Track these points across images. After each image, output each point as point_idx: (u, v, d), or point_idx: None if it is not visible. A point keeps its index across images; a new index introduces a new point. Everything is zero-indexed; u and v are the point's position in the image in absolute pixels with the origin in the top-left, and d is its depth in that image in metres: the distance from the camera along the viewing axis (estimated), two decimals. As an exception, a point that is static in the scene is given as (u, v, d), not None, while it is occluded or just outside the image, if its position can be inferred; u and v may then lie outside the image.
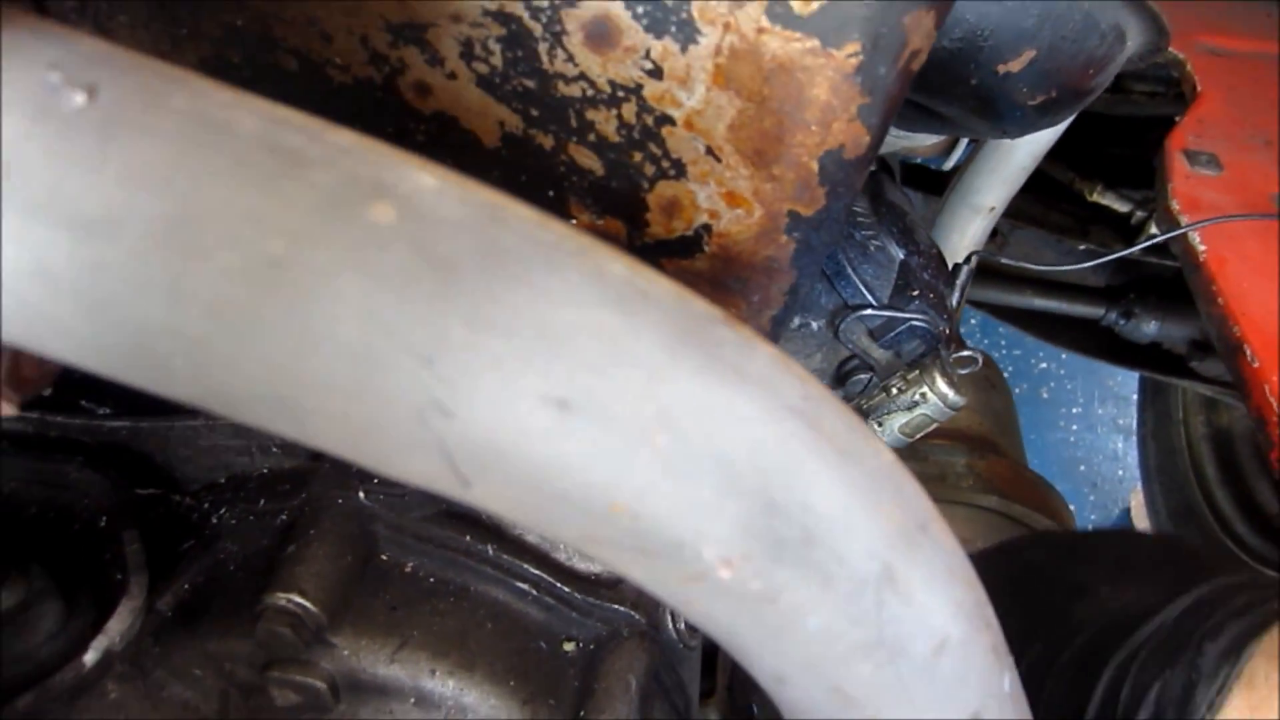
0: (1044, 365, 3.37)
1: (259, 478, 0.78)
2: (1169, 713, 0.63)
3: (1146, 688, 0.65)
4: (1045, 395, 3.31)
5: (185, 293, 0.30)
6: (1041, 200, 1.95)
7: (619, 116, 0.53)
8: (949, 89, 0.91)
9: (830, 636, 0.33)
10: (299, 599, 0.62)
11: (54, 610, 0.63)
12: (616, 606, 0.70)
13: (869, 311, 0.79)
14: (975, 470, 1.51)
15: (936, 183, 1.97)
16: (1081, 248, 1.95)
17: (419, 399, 0.30)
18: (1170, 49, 1.34)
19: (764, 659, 0.35)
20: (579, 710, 0.67)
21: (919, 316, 0.79)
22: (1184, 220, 1.04)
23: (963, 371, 0.82)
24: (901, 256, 0.81)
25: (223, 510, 0.74)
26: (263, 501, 0.73)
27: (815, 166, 0.52)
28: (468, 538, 0.69)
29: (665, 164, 0.54)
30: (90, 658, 0.61)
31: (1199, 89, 1.26)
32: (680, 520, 0.31)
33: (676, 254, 0.58)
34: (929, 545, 0.36)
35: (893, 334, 0.80)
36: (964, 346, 0.88)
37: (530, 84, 0.52)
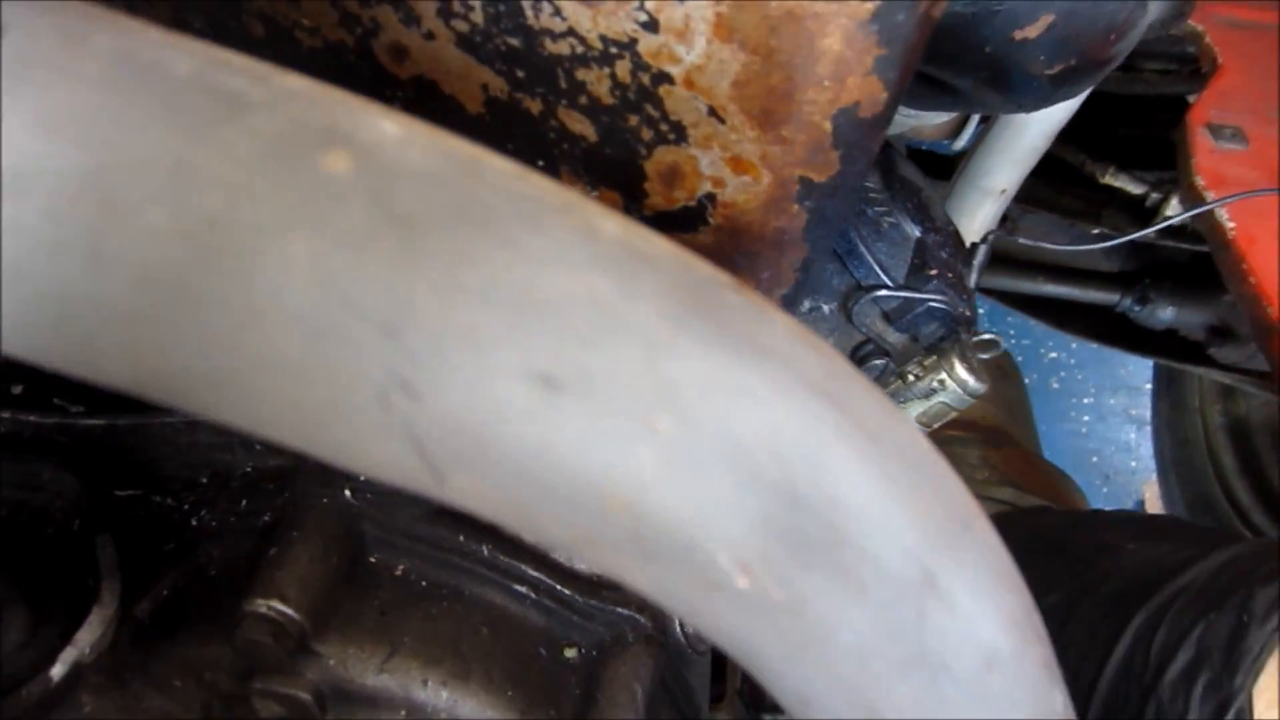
0: (1054, 355, 3.32)
1: (242, 476, 0.74)
2: (1214, 653, 0.62)
3: (1187, 631, 0.64)
4: (1055, 385, 3.26)
5: (108, 258, 0.25)
6: (1052, 183, 1.90)
7: (612, 76, 0.48)
8: (961, 58, 0.87)
9: (864, 653, 0.29)
10: (280, 605, 0.58)
11: (19, 619, 0.59)
12: (621, 609, 0.66)
13: (884, 292, 0.74)
14: (990, 462, 1.46)
15: (943, 168, 1.92)
16: (1094, 231, 1.90)
17: (381, 377, 0.26)
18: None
19: (786, 677, 0.31)
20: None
21: (937, 297, 0.74)
22: (1210, 197, 0.99)
23: (984, 356, 0.78)
24: (917, 234, 0.77)
25: (203, 511, 0.70)
26: (245, 502, 0.69)
27: (828, 127, 0.48)
28: (462, 537, 0.65)
29: (664, 127, 0.50)
30: (58, 670, 0.57)
31: (1219, 61, 1.22)
32: (689, 518, 0.27)
33: (678, 227, 0.54)
34: (974, 545, 0.32)
35: (909, 316, 0.75)
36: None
37: (514, 42, 0.48)
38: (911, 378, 0.82)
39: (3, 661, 0.57)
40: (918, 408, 0.84)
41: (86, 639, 0.58)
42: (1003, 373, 1.73)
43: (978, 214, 1.62)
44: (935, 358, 0.81)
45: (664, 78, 0.47)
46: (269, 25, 0.51)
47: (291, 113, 0.27)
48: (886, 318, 0.76)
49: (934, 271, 0.75)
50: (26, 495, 0.70)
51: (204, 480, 0.75)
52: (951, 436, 1.50)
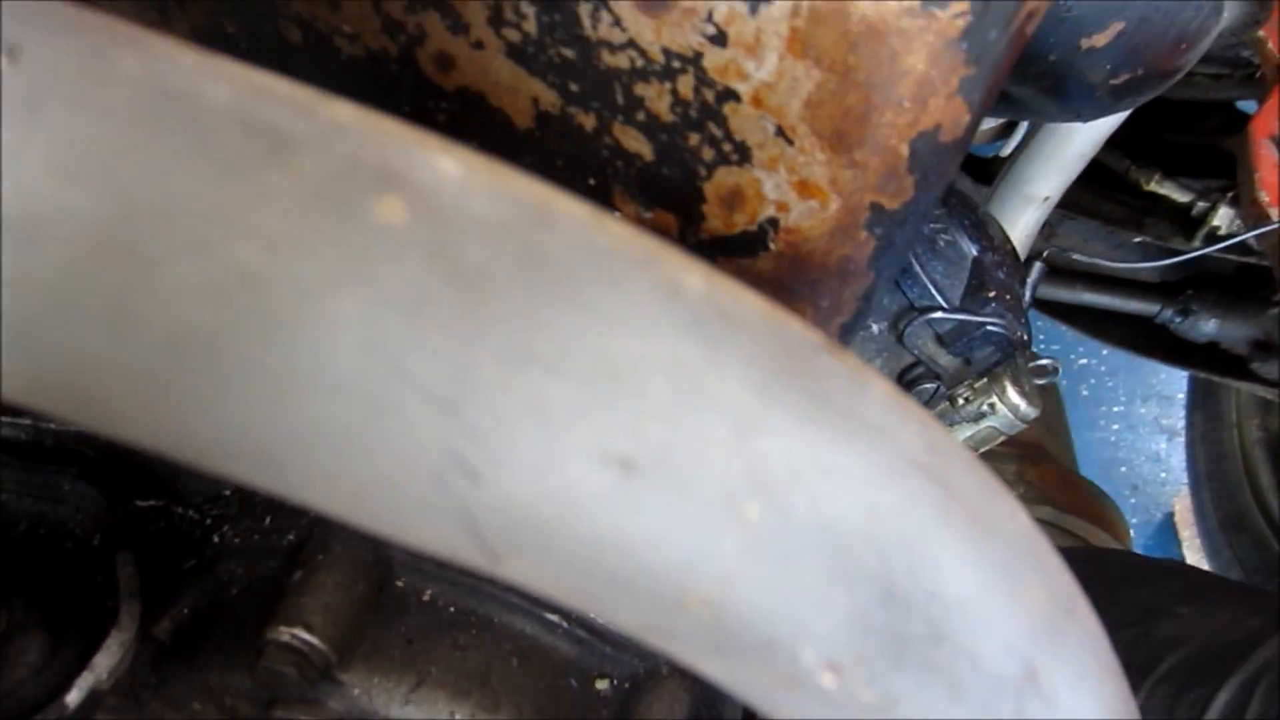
0: (1084, 361, 3.26)
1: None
2: None
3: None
4: (1085, 393, 3.20)
5: (132, 317, 0.22)
6: (1093, 189, 1.85)
7: (674, 92, 0.45)
8: (1023, 66, 0.83)
9: (961, 758, 0.26)
10: (305, 634, 0.55)
11: (37, 643, 0.57)
12: (657, 641, 0.63)
13: (939, 315, 0.71)
14: (1026, 478, 1.42)
15: (981, 170, 1.88)
16: (1136, 240, 1.86)
17: (437, 456, 0.23)
18: (1250, 27, 1.25)
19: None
20: (615, 758, 0.60)
21: (995, 320, 0.71)
22: (1275, 214, 0.95)
23: (1039, 382, 0.74)
24: (975, 253, 0.73)
25: (226, 528, 0.68)
26: (269, 519, 0.67)
27: (905, 151, 0.45)
28: (493, 564, 0.62)
29: (727, 147, 0.47)
30: (74, 697, 0.55)
31: (1282, 70, 1.17)
32: (774, 614, 0.24)
33: (736, 252, 0.50)
34: (1075, 634, 0.28)
35: (964, 340, 0.72)
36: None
37: (569, 54, 0.45)
38: (961, 401, 0.78)
39: (18, 687, 0.55)
40: (965, 431, 0.81)
41: (104, 664, 0.56)
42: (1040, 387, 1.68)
43: (1019, 221, 1.58)
44: (986, 381, 0.77)
45: (730, 95, 0.44)
46: (307, 31, 0.48)
47: (340, 151, 0.24)
48: (940, 340, 0.73)
49: (992, 293, 0.72)
50: (46, 507, 0.68)
51: (227, 493, 0.73)
52: (988, 452, 1.46)
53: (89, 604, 0.61)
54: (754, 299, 0.27)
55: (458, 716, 0.58)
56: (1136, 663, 0.70)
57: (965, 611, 0.26)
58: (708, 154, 0.47)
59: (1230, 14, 0.83)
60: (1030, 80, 0.85)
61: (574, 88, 0.47)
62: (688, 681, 0.64)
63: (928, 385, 0.75)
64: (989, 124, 1.42)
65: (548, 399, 0.23)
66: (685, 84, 0.45)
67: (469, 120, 0.49)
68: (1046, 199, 1.56)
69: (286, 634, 0.56)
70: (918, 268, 0.72)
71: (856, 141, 0.44)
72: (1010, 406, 0.77)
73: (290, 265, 0.23)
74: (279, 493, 0.26)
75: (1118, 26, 0.78)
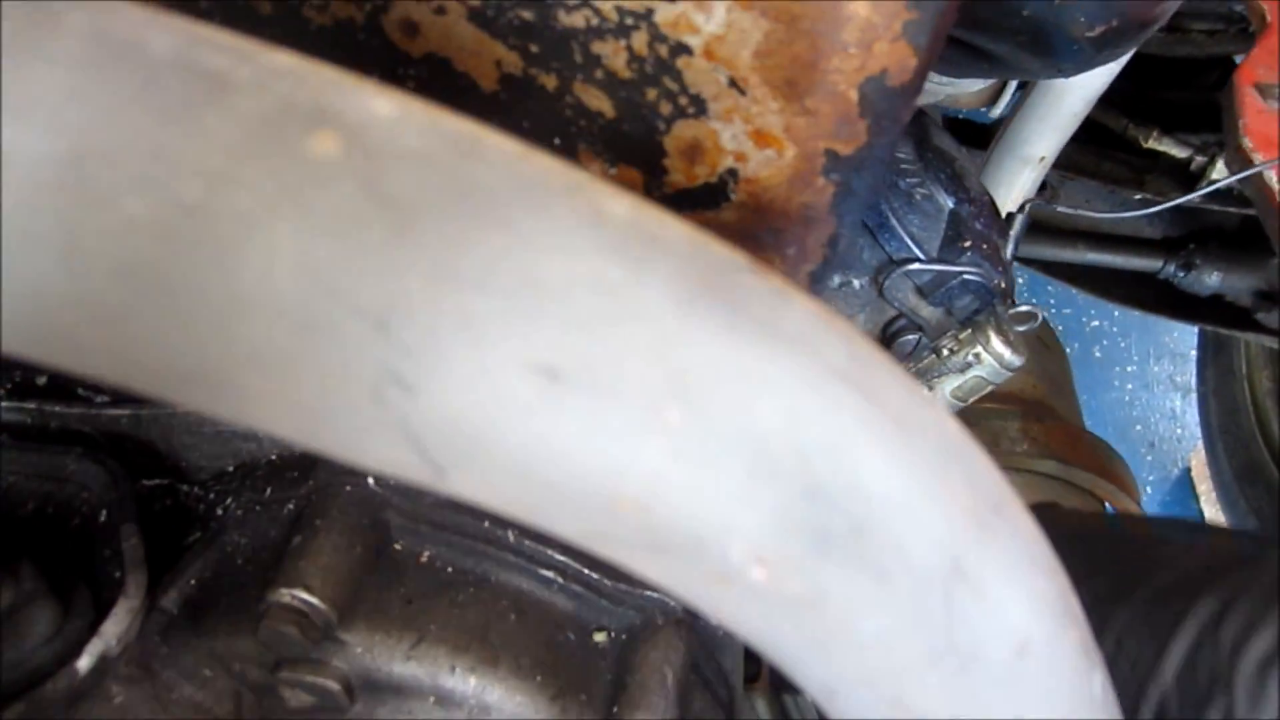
0: (1096, 323, 3.25)
1: (268, 464, 0.73)
2: None
3: (1262, 616, 0.60)
4: (1098, 354, 3.20)
5: (85, 252, 0.24)
6: (1093, 149, 1.85)
7: (629, 48, 0.46)
8: (998, 21, 0.84)
9: (889, 643, 0.27)
10: (305, 595, 0.57)
11: (47, 612, 0.59)
12: (649, 593, 0.65)
13: (916, 266, 0.72)
14: (1030, 434, 1.43)
15: (980, 137, 1.88)
16: (1137, 197, 1.86)
17: (374, 371, 0.24)
18: (1235, -25, 1.25)
19: (811, 669, 0.29)
20: (612, 706, 0.62)
21: (972, 270, 0.72)
22: (1258, 159, 0.95)
23: (1021, 329, 0.75)
24: (951, 205, 0.74)
25: (229, 500, 0.70)
26: (269, 490, 0.69)
27: (855, 96, 0.46)
28: (486, 523, 0.64)
29: (683, 101, 0.48)
30: (84, 663, 0.57)
31: (1269, 19, 1.17)
32: (700, 512, 0.25)
33: (700, 205, 0.52)
34: (1004, 530, 0.30)
35: (943, 290, 0.73)
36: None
37: (528, 15, 0.46)
38: (946, 352, 0.80)
39: (29, 656, 0.57)
40: (953, 382, 0.82)
41: (113, 631, 0.58)
42: (1044, 344, 1.69)
43: (1016, 182, 1.58)
44: (970, 331, 0.78)
45: (683, 49, 0.45)
46: (277, 3, 0.50)
47: (277, 93, 0.25)
48: (920, 292, 0.74)
49: (968, 243, 0.73)
50: (52, 487, 0.70)
51: (230, 469, 0.75)
52: (991, 410, 1.46)
53: (97, 577, 0.63)
54: (678, 224, 0.29)
55: (458, 669, 0.60)
56: (1126, 580, 0.70)
57: (887, 506, 0.27)
58: (666, 108, 0.49)
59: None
60: (1008, 36, 0.86)
61: (534, 49, 0.48)
62: (683, 631, 0.66)
63: (910, 337, 0.76)
64: (979, 86, 1.42)
65: (475, 314, 0.24)
66: (640, 40, 0.46)
67: (436, 85, 0.50)
68: (1043, 159, 1.56)
69: (287, 595, 0.57)
70: (895, 222, 0.73)
71: (807, 89, 0.45)
72: (995, 355, 0.78)
73: (229, 197, 0.24)
74: (236, 419, 0.27)
75: (1089, -25, 0.79)
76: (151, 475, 0.74)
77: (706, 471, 0.25)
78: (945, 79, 1.32)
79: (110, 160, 0.24)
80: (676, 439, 0.25)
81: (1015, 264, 2.01)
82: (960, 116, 1.96)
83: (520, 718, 0.60)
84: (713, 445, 0.25)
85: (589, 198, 0.27)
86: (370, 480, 0.63)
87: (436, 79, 0.50)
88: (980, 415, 1.45)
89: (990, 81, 1.44)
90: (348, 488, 0.64)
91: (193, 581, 0.66)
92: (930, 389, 0.84)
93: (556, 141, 0.51)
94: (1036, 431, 1.42)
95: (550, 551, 0.65)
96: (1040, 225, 1.89)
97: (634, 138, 0.51)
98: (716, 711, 0.71)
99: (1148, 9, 0.88)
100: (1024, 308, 0.75)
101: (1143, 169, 1.83)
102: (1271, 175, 0.95)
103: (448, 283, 0.24)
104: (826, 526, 0.26)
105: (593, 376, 0.25)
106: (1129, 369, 3.15)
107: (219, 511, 0.70)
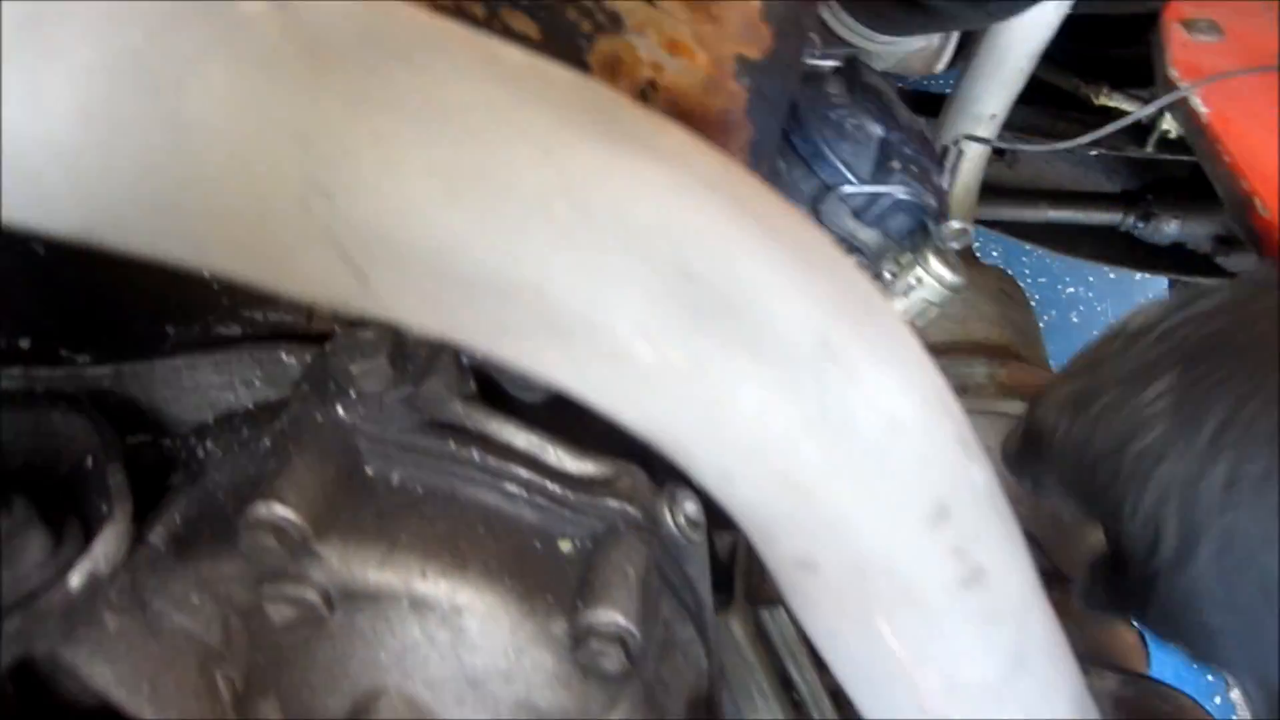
0: (1071, 290, 3.31)
1: (245, 413, 0.78)
2: None
3: None
4: (1075, 319, 3.25)
5: (47, 95, 0.28)
6: (1048, 111, 1.90)
7: (547, -33, 0.51)
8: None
9: (767, 413, 0.31)
10: (280, 508, 0.61)
11: (39, 540, 0.63)
12: (611, 503, 0.69)
13: (848, 189, 0.76)
14: (997, 379, 1.47)
15: (934, 105, 1.93)
16: (1093, 154, 1.91)
17: (299, 183, 0.29)
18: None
19: (707, 452, 0.33)
20: (577, 602, 0.66)
21: (902, 188, 0.76)
22: (1183, 85, 1.00)
23: (954, 245, 0.80)
24: (880, 133, 0.78)
25: (208, 442, 0.74)
26: (245, 430, 0.73)
27: (758, 2, 0.50)
28: (452, 444, 0.68)
29: (601, 18, 0.52)
30: (76, 580, 0.61)
31: (1193, -41, 1.22)
32: (588, 292, 0.30)
33: (626, 114, 0.56)
34: (873, 322, 0.34)
35: (876, 209, 0.77)
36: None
37: (453, -57, 0.51)
38: (888, 276, 0.84)
39: (22, 580, 0.61)
40: (898, 306, 0.86)
41: (102, 551, 0.62)
42: (1007, 296, 1.73)
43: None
44: (910, 255, 0.83)
45: (593, -38, 0.50)
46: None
47: (205, -43, 0.30)
48: (855, 214, 0.78)
49: (898, 166, 0.77)
50: (41, 441, 0.74)
51: (210, 421, 0.79)
52: (957, 357, 1.51)
53: (86, 513, 0.67)
54: (568, 71, 0.33)
55: (429, 574, 0.64)
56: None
57: (757, 289, 0.31)
58: (586, 26, 0.53)
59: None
60: (936, -18, 0.90)
61: (462, -23, 0.52)
62: (644, 536, 0.70)
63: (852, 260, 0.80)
64: (921, 44, 1.47)
65: (383, 130, 0.29)
66: (556, -42, 0.50)
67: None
68: (993, 116, 1.61)
69: (263, 508, 0.61)
70: (827, 150, 0.77)
71: (711, -6, 0.50)
72: (936, 275, 0.83)
73: (167, 42, 0.28)
74: (186, 254, 0.31)
75: (1000, -88, 0.83)
76: (135, 431, 0.78)
77: (592, 254, 0.29)
78: (888, 38, 1.37)
79: (62, 16, 0.28)
80: (563, 228, 0.29)
81: (988, 235, 2.05)
82: (917, 90, 2.01)
83: (490, 616, 0.64)
84: (596, 233, 0.29)
85: (487, 44, 0.32)
86: (339, 409, 0.67)
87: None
88: (946, 363, 1.49)
89: (930, 42, 1.49)
90: (317, 418, 0.68)
91: (177, 518, 0.70)
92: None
93: (489, 63, 0.55)
94: (1002, 376, 1.46)
95: (515, 468, 0.69)
96: (1001, 186, 1.94)
97: (561, 58, 0.55)
98: (683, 615, 0.75)
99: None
100: (953, 224, 0.79)
101: (1097, 126, 1.87)
102: (1197, 99, 1.00)
103: (360, 105, 0.29)
104: (701, 303, 0.30)
105: (487, 179, 0.29)
106: (1105, 332, 3.20)
107: (200, 455, 0.74)
